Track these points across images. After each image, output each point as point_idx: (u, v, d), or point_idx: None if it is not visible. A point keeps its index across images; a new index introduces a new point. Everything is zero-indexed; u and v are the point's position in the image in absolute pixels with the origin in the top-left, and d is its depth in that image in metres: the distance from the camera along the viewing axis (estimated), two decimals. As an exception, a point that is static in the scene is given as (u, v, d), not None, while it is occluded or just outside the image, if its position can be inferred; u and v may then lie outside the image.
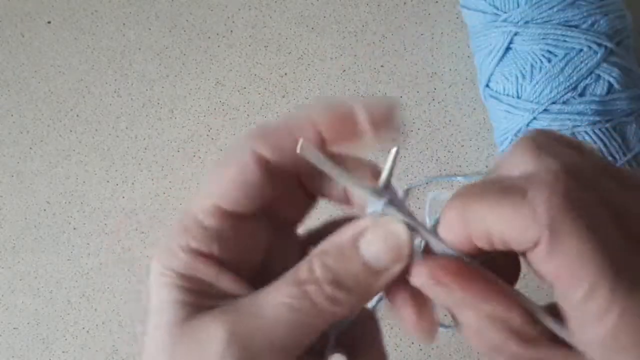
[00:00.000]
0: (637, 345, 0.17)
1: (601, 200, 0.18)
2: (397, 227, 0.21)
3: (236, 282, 0.22)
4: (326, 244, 0.21)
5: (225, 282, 0.22)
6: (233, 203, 0.22)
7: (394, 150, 0.22)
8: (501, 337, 0.20)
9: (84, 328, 0.53)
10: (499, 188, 0.19)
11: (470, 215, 0.19)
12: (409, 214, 0.21)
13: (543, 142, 0.20)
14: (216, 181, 0.22)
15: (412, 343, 0.52)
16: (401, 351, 0.52)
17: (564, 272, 0.18)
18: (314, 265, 0.21)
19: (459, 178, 0.52)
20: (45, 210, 0.55)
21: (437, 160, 0.53)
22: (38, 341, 0.54)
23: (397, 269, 0.21)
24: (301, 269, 0.21)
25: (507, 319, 0.20)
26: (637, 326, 0.17)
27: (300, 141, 0.20)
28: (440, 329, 0.51)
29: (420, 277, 0.21)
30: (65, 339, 0.53)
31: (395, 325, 0.52)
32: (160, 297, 0.22)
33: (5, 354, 0.54)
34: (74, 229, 0.54)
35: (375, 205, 0.21)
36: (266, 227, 0.24)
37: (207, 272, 0.22)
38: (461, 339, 0.51)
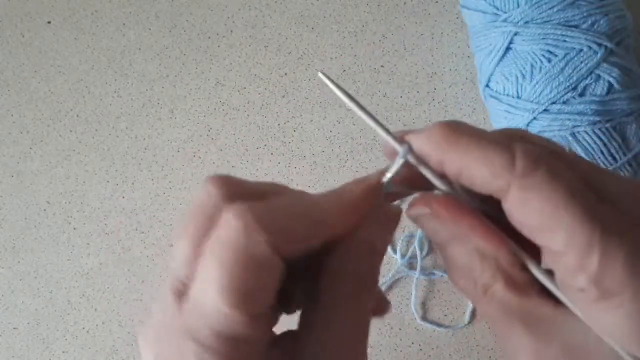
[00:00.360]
0: (625, 286, 0.17)
1: (579, 176, 0.19)
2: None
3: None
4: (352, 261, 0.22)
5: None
6: (260, 307, 0.19)
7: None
8: (489, 276, 0.20)
9: (84, 328, 0.53)
10: (488, 134, 0.20)
11: (455, 140, 0.20)
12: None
13: (524, 135, 0.21)
14: (237, 288, 0.18)
15: (412, 343, 0.52)
16: (401, 351, 0.52)
17: (538, 220, 0.18)
18: (356, 287, 0.21)
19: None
20: (45, 210, 0.55)
21: (437, 160, 0.53)
22: (38, 341, 0.54)
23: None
24: (343, 290, 0.21)
25: (496, 257, 0.20)
26: (619, 270, 0.17)
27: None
28: (440, 329, 0.51)
29: (416, 209, 0.21)
30: (65, 339, 0.53)
31: (395, 326, 0.52)
32: None
33: (5, 354, 0.54)
34: (74, 229, 0.54)
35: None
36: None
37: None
38: (461, 339, 0.51)
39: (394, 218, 0.23)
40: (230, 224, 0.18)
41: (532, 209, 0.19)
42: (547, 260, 0.20)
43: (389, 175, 0.23)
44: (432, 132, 0.21)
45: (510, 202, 0.19)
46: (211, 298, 0.18)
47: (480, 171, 0.19)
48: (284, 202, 0.20)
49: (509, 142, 0.20)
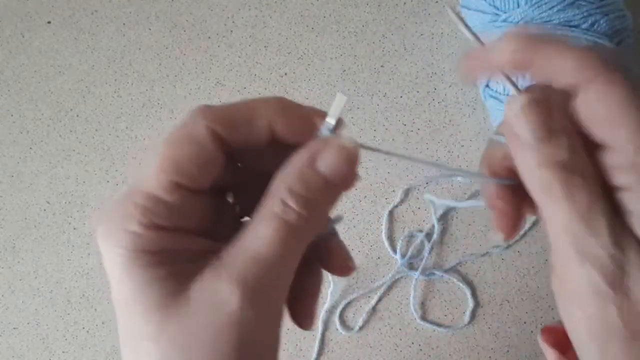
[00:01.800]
0: None
1: None
2: (344, 139, 0.24)
3: (201, 241, 0.23)
4: (287, 172, 0.23)
5: (199, 244, 0.23)
6: (190, 179, 0.22)
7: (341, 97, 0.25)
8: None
9: (84, 328, 0.53)
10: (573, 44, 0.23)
11: (543, 45, 0.22)
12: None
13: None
14: (172, 157, 0.22)
15: (412, 343, 0.52)
16: (401, 351, 0.52)
17: (609, 113, 0.21)
18: (285, 197, 0.22)
19: (459, 178, 0.52)
20: (45, 210, 0.55)
21: (437, 160, 0.53)
22: (38, 341, 0.54)
23: (354, 179, 0.24)
24: (273, 203, 0.22)
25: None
26: None
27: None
28: (440, 329, 0.51)
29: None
30: (65, 339, 0.53)
31: (395, 326, 0.52)
32: (134, 282, 0.21)
33: (5, 354, 0.54)
34: (74, 229, 0.54)
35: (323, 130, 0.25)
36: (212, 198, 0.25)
37: (179, 242, 0.22)
38: (461, 339, 0.51)
39: (346, 150, 0.24)
40: (186, 115, 0.23)
41: (606, 103, 0.21)
42: (605, 159, 0.22)
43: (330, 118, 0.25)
44: (518, 39, 0.23)
45: (588, 94, 0.21)
46: (150, 165, 0.22)
47: (565, 64, 0.22)
48: (236, 104, 0.24)
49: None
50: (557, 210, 0.21)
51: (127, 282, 0.21)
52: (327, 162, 0.23)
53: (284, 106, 0.24)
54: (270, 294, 0.21)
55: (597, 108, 0.21)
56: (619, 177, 0.21)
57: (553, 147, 0.21)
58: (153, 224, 0.21)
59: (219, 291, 0.20)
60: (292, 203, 0.22)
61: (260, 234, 0.21)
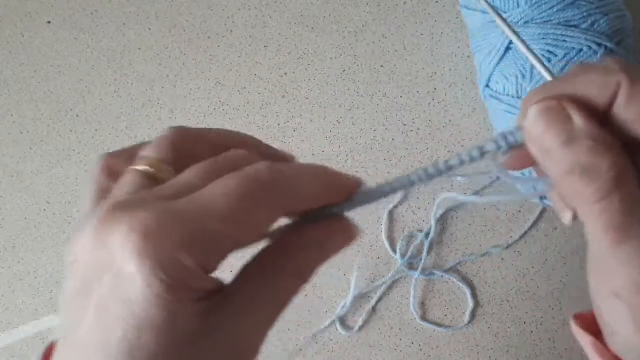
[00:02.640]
0: None
1: None
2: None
3: (215, 281, 0.21)
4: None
5: (213, 283, 0.20)
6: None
7: None
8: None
9: (84, 328, 0.53)
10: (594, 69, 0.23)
11: (570, 81, 0.22)
12: None
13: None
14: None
15: (412, 343, 0.52)
16: (401, 351, 0.52)
17: None
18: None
19: (459, 178, 0.52)
20: (45, 210, 0.55)
21: (437, 160, 0.53)
22: (38, 341, 0.54)
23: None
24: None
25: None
26: None
27: None
28: (440, 329, 0.51)
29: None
30: (65, 339, 0.53)
31: (395, 326, 0.52)
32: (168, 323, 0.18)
33: (5, 354, 0.54)
34: (74, 229, 0.54)
35: None
36: None
37: (204, 280, 0.20)
38: (461, 339, 0.51)
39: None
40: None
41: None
42: None
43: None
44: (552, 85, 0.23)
45: (622, 97, 0.21)
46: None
47: (593, 84, 0.22)
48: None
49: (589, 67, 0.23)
50: (591, 215, 0.21)
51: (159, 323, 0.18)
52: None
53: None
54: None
55: (632, 113, 0.21)
56: None
57: (575, 153, 0.21)
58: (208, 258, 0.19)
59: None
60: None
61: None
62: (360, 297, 0.52)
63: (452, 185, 0.52)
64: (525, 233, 0.52)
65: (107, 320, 0.18)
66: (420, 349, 0.52)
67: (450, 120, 0.53)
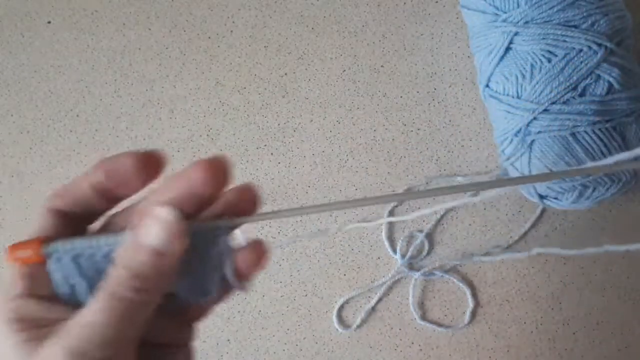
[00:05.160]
0: None
1: None
2: (159, 211, 0.26)
3: (63, 309, 0.26)
4: (117, 253, 0.26)
5: (57, 312, 0.26)
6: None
7: None
8: None
9: (84, 328, 0.53)
10: None
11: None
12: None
13: None
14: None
15: (412, 343, 0.52)
16: (401, 351, 0.52)
17: None
18: (114, 272, 0.25)
19: (459, 178, 0.52)
20: (45, 210, 0.55)
21: (437, 160, 0.53)
22: (38, 341, 0.54)
23: (181, 244, 0.26)
24: (106, 280, 0.25)
25: None
26: None
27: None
28: (440, 329, 0.51)
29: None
30: (65, 339, 0.53)
31: (395, 326, 0.52)
32: (5, 347, 0.25)
33: (5, 354, 0.54)
34: (74, 229, 0.54)
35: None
36: None
37: (37, 309, 0.26)
38: (461, 339, 0.51)
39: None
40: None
41: None
42: None
43: None
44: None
45: None
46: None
47: None
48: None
49: None
50: None
51: (4, 346, 0.25)
52: (146, 235, 0.26)
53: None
54: (97, 357, 0.24)
55: None
56: None
57: None
58: (12, 294, 0.26)
59: (52, 356, 0.24)
60: (117, 275, 0.25)
61: (93, 306, 0.25)
62: (360, 297, 0.52)
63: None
64: (525, 233, 0.52)
65: None
66: (420, 349, 0.52)
67: (450, 120, 0.53)
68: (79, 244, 0.27)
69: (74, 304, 0.26)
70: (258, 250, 0.28)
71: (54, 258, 0.27)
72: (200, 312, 0.30)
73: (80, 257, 0.27)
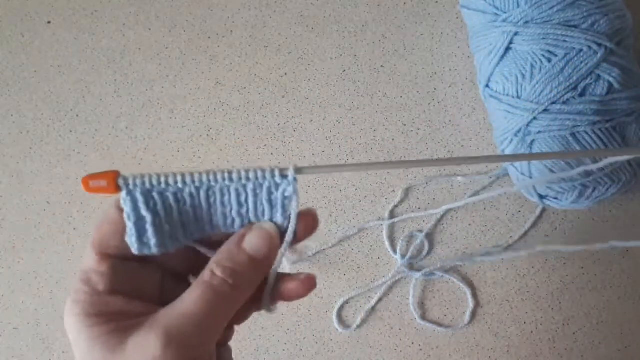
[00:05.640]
0: None
1: None
2: (266, 224, 0.29)
3: (145, 304, 0.28)
4: (219, 251, 0.29)
5: (137, 306, 0.28)
6: (114, 250, 0.28)
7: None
8: None
9: (84, 328, 0.53)
10: None
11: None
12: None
13: None
14: (97, 236, 0.28)
15: (412, 343, 0.52)
16: (401, 351, 0.52)
17: None
18: (213, 267, 0.28)
19: (459, 178, 0.52)
20: (45, 210, 0.55)
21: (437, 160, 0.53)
22: (38, 341, 0.54)
23: (273, 254, 0.29)
24: (205, 273, 0.28)
25: None
26: None
27: None
28: (440, 329, 0.51)
29: None
30: (66, 339, 0.53)
31: (395, 326, 0.52)
32: (84, 340, 0.26)
33: (5, 354, 0.54)
34: (74, 229, 0.54)
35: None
36: (156, 268, 0.30)
37: (116, 304, 0.27)
38: (461, 339, 0.51)
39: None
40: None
41: None
42: None
43: None
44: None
45: None
46: (88, 246, 0.29)
47: None
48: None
49: None
50: None
51: (80, 341, 0.26)
52: (250, 242, 0.29)
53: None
54: (193, 345, 0.26)
55: None
56: None
57: None
58: (93, 290, 0.27)
59: (147, 342, 0.25)
60: (218, 272, 0.27)
61: (189, 296, 0.27)
62: (360, 297, 0.52)
63: (452, 186, 0.52)
64: (525, 233, 0.52)
65: None
66: (420, 349, 0.52)
67: (450, 120, 0.53)
68: (151, 179, 0.28)
69: (137, 239, 0.28)
70: (305, 283, 0.31)
71: (125, 190, 0.28)
72: (243, 316, 0.33)
73: (151, 192, 0.28)
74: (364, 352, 0.52)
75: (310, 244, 0.53)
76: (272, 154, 0.54)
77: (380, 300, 0.52)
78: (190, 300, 0.26)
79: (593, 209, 0.52)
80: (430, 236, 0.52)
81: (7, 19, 0.57)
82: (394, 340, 0.52)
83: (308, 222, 0.30)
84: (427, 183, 0.53)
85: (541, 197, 0.47)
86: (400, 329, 0.52)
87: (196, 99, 0.55)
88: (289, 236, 0.29)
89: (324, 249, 0.53)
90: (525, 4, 0.44)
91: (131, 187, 0.27)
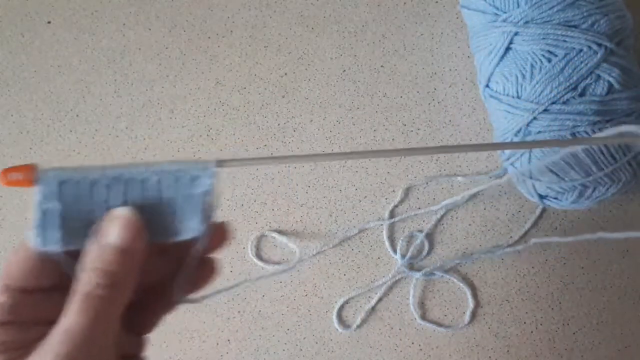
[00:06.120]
0: None
1: None
2: (117, 211, 0.27)
3: (44, 328, 0.26)
4: (83, 255, 0.27)
5: (36, 332, 0.26)
6: (18, 281, 0.27)
7: None
8: None
9: (84, 328, 0.53)
10: None
11: None
12: None
13: None
14: (4, 267, 0.27)
15: (412, 343, 0.52)
16: (401, 351, 0.52)
17: None
18: (82, 274, 0.26)
19: (459, 178, 0.52)
20: (45, 210, 0.55)
21: (437, 160, 0.53)
22: (38, 341, 0.54)
23: (138, 237, 0.27)
24: (77, 282, 0.26)
25: None
26: None
27: None
28: (440, 329, 0.51)
29: None
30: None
31: (395, 326, 0.52)
32: None
33: (5, 354, 0.54)
34: (74, 229, 0.54)
35: None
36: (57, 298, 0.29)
37: (14, 333, 0.26)
38: (461, 339, 0.51)
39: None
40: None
41: None
42: None
43: None
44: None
45: None
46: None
47: None
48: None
49: None
50: None
51: None
52: (109, 235, 0.27)
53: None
54: (83, 358, 0.25)
55: None
56: None
57: None
58: None
59: None
60: (88, 277, 0.26)
61: (69, 309, 0.25)
62: (360, 297, 0.52)
63: (452, 186, 0.52)
64: (526, 233, 0.52)
65: None
66: (420, 349, 0.52)
67: (450, 120, 0.53)
68: (69, 172, 0.27)
69: (42, 231, 0.27)
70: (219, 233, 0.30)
71: (41, 182, 0.27)
72: (150, 322, 0.31)
73: (66, 183, 0.27)
74: (364, 352, 0.52)
75: (310, 244, 0.53)
76: (272, 154, 0.54)
77: (380, 300, 0.52)
78: (71, 313, 0.25)
79: (593, 209, 0.52)
80: (430, 236, 0.52)
81: (7, 19, 0.57)
82: (394, 340, 0.52)
83: (220, 229, 0.29)
84: (427, 183, 0.53)
85: (541, 197, 0.47)
86: (400, 329, 0.52)
87: (196, 99, 0.55)
88: (202, 235, 0.27)
89: (324, 249, 0.53)
90: (525, 4, 0.44)
91: (47, 178, 0.27)
